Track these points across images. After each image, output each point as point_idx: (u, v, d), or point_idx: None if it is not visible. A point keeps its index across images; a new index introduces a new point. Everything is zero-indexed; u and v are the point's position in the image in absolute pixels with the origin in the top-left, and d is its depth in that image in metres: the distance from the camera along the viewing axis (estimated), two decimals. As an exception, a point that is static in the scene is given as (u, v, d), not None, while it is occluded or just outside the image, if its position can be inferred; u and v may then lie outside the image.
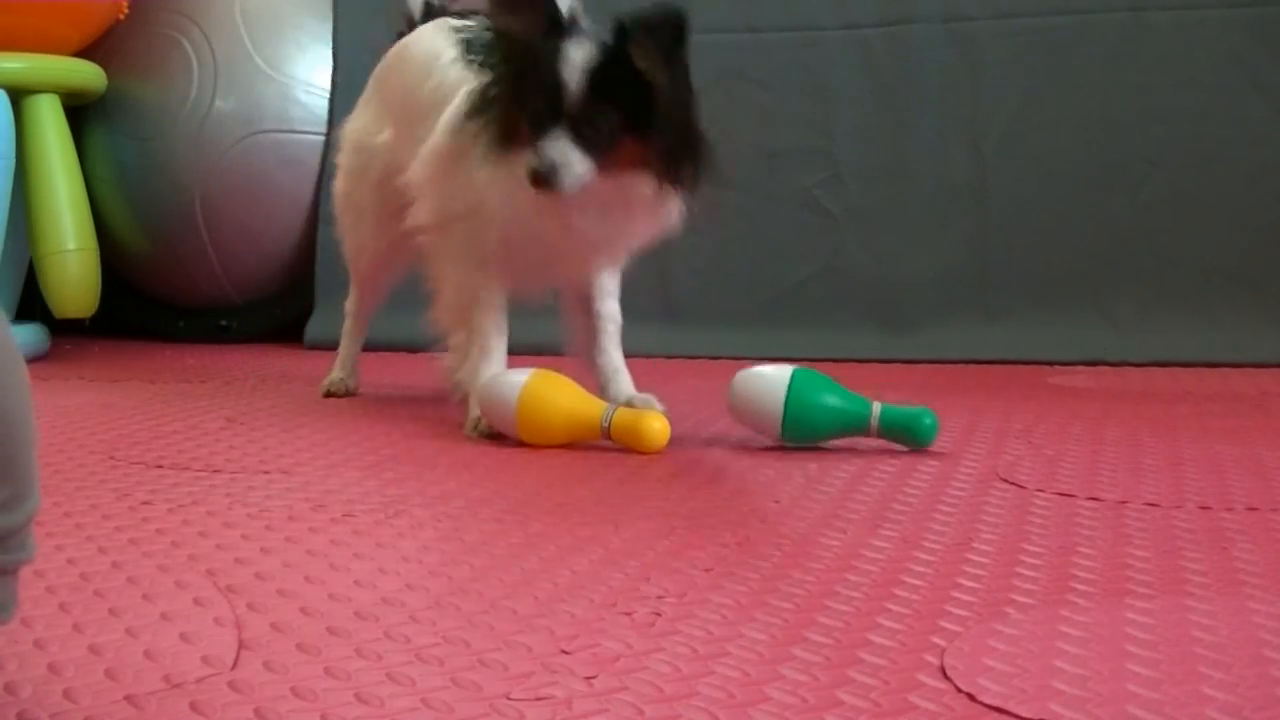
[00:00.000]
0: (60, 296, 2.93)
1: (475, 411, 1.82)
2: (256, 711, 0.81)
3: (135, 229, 3.14)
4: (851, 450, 1.67)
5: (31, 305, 2.99)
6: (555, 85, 1.69)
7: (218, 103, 3.03)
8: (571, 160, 1.68)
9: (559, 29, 1.72)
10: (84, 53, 3.08)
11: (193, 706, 0.82)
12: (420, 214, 1.91)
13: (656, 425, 1.67)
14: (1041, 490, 1.42)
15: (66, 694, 0.84)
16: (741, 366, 1.74)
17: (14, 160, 2.77)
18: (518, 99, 1.74)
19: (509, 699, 0.82)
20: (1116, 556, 1.15)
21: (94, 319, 3.05)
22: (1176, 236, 2.67)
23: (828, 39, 2.84)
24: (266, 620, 0.99)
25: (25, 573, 0.80)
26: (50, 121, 2.96)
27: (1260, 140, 2.64)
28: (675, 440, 1.70)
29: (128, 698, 0.83)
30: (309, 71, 3.06)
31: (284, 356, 2.80)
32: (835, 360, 2.69)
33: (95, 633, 0.96)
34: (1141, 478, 1.49)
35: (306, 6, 3.12)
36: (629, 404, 1.81)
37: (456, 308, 1.90)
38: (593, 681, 0.85)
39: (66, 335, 3.06)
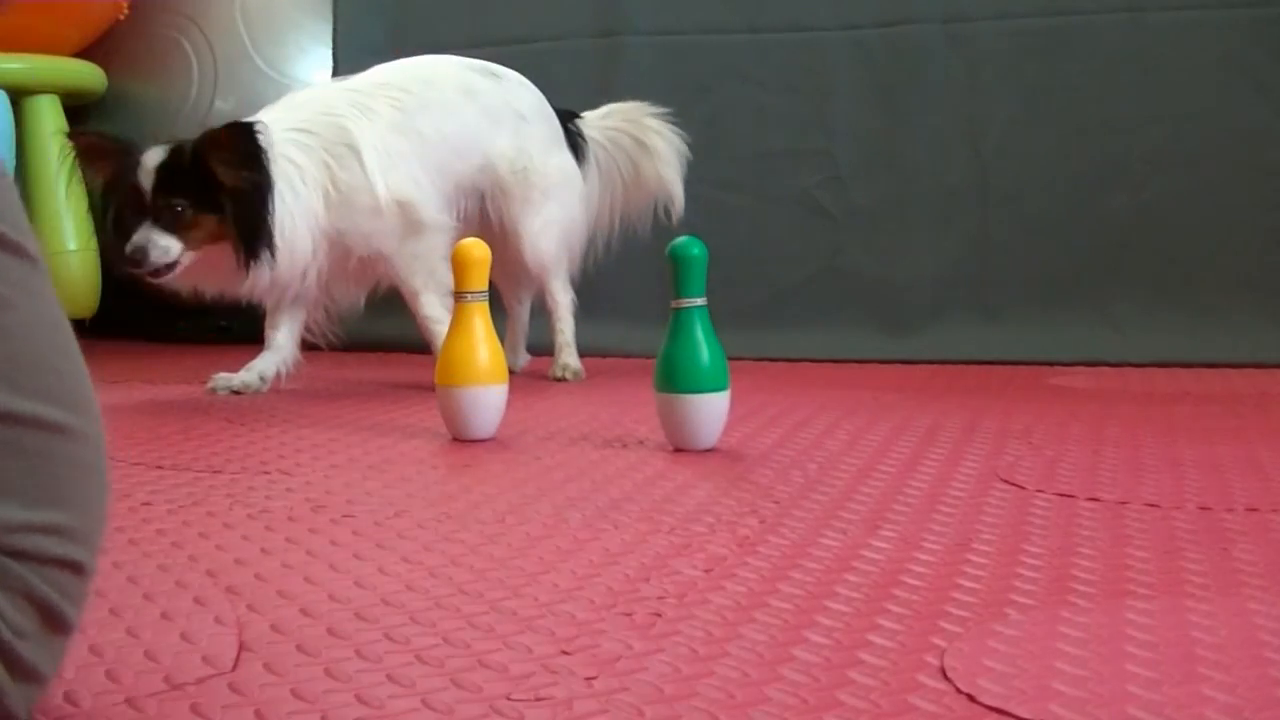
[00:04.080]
0: (60, 297, 2.93)
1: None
2: (257, 713, 0.81)
3: (135, 229, 3.14)
4: (851, 450, 1.67)
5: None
6: (136, 187, 2.12)
7: (218, 103, 3.03)
8: (158, 245, 2.12)
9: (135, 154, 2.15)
10: (84, 53, 3.08)
11: (193, 708, 0.82)
12: None
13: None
14: (1041, 490, 1.43)
15: (67, 695, 0.84)
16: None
17: (14, 160, 2.77)
18: (114, 201, 2.19)
19: (509, 700, 0.82)
20: (1116, 557, 1.15)
21: (94, 319, 3.06)
22: (1176, 236, 2.67)
23: (828, 39, 2.84)
24: (267, 621, 0.99)
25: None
26: (50, 122, 2.96)
27: (1260, 141, 2.64)
28: (675, 440, 1.70)
29: (128, 700, 0.83)
30: (309, 72, 3.06)
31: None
32: (835, 360, 2.69)
33: (95, 633, 0.96)
34: (1141, 478, 1.49)
35: (306, 7, 3.12)
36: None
37: None
38: (593, 682, 0.86)
39: (66, 335, 3.06)
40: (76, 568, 0.74)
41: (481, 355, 1.79)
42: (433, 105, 2.37)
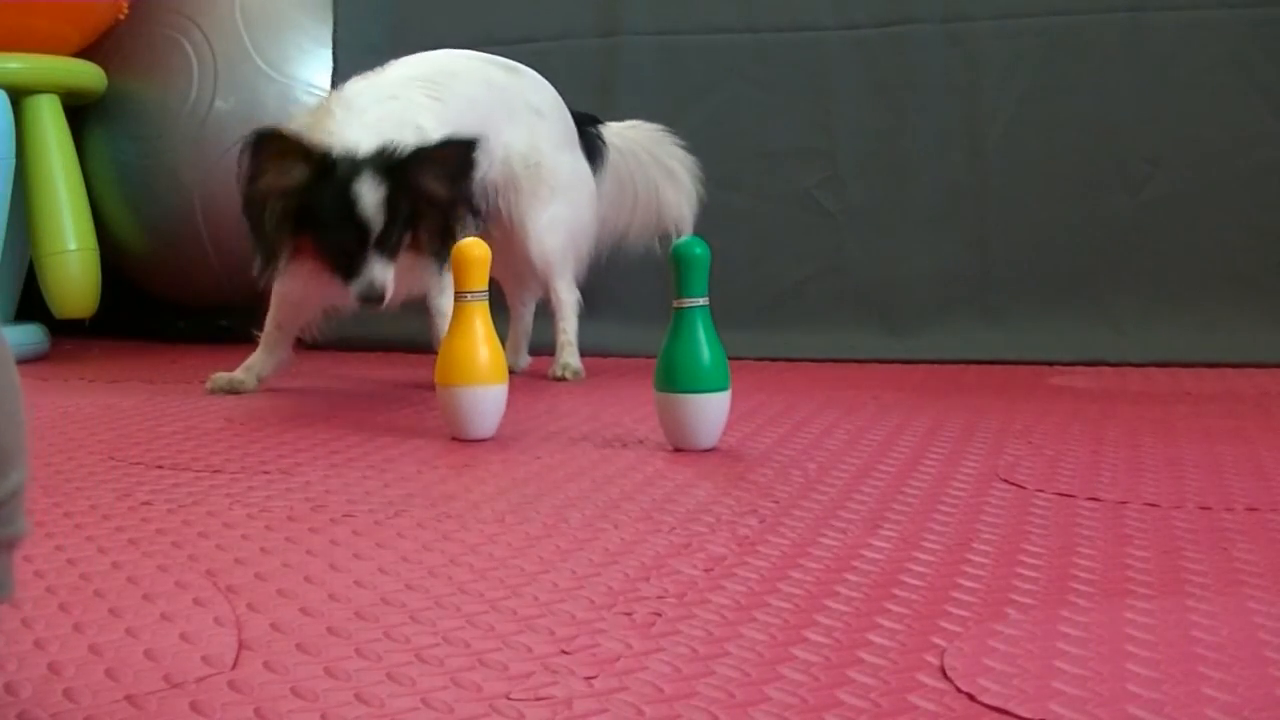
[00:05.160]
0: (60, 297, 2.93)
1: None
2: (257, 711, 0.81)
3: (135, 229, 3.14)
4: (851, 450, 1.67)
5: (31, 305, 2.99)
6: (361, 222, 2.03)
7: (218, 103, 3.03)
8: (388, 278, 2.06)
9: (331, 168, 2.04)
10: (84, 53, 3.08)
11: (193, 706, 0.82)
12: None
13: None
14: (1041, 490, 1.43)
15: (66, 694, 0.84)
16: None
17: (14, 160, 2.77)
18: (317, 229, 2.07)
19: (509, 699, 0.83)
20: (1116, 556, 1.15)
21: (94, 319, 3.05)
22: (1176, 236, 2.67)
23: (828, 39, 2.84)
24: (266, 620, 0.99)
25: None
26: (50, 121, 2.96)
27: (1260, 140, 2.64)
28: (675, 440, 1.70)
29: (128, 697, 0.83)
30: (309, 72, 3.06)
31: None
32: (835, 360, 2.69)
33: (95, 633, 0.96)
34: (1141, 478, 1.49)
35: (306, 7, 3.12)
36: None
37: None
38: (593, 682, 0.86)
39: (66, 335, 3.07)
40: (17, 487, 0.77)
41: (481, 355, 1.79)
42: (460, 97, 2.34)
